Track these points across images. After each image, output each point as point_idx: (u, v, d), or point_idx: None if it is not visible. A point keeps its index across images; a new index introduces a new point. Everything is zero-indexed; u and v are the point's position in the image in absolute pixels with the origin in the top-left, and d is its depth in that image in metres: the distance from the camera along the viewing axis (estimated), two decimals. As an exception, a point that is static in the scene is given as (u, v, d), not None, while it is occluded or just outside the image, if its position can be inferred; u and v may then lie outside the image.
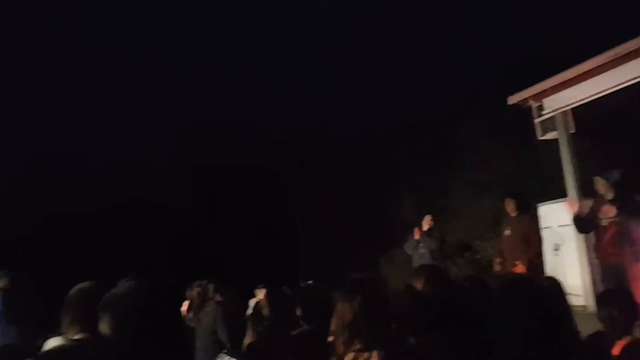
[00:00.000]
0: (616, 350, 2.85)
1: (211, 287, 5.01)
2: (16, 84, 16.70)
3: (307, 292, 4.14)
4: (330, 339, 2.88)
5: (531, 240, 6.42)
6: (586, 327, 2.99)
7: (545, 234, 6.75)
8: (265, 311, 3.81)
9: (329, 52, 17.77)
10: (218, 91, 17.35)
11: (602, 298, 3.16)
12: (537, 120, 6.55)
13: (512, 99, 6.76)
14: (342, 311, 2.82)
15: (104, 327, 1.51)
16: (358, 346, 2.58)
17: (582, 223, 5.35)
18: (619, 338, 2.87)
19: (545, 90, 6.33)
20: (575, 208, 5.44)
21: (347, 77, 17.15)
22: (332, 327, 2.90)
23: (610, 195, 5.41)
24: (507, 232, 6.61)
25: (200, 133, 16.77)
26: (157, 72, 18.01)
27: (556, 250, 6.51)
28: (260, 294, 5.27)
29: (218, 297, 4.88)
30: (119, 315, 1.50)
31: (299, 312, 3.38)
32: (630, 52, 5.37)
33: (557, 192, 7.07)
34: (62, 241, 13.41)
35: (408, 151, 12.58)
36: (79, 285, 2.26)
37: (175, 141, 17.45)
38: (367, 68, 17.03)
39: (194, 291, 5.09)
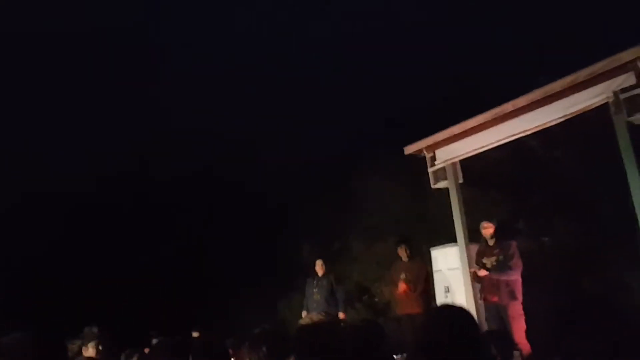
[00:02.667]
0: None
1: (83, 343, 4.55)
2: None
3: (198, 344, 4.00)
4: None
5: (424, 281, 6.78)
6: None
7: (436, 277, 7.13)
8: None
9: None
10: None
11: (485, 338, 3.40)
12: (430, 170, 6.99)
13: (409, 149, 7.17)
14: None
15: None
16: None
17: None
18: None
19: (437, 142, 6.80)
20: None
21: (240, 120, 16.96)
22: None
23: (492, 242, 5.90)
24: (403, 275, 6.91)
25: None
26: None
27: (446, 292, 6.86)
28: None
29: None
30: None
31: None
32: (508, 112, 5.98)
33: (448, 237, 7.52)
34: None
35: (305, 195, 12.75)
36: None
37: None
38: (259, 112, 17.05)
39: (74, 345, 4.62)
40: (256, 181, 14.42)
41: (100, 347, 4.50)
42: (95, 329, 4.59)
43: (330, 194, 12.34)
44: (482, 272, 5.46)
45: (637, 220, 4.92)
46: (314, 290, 7.32)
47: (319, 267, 7.51)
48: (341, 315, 7.14)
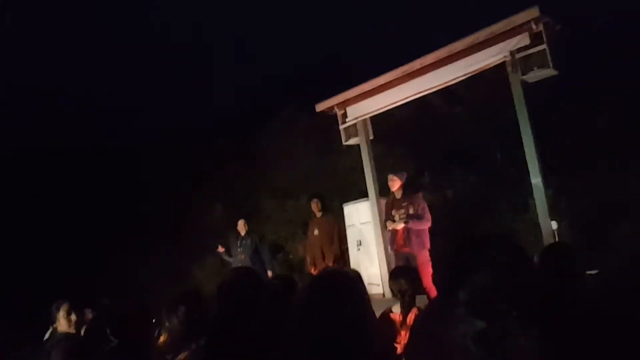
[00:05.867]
0: (410, 319, 3.30)
1: None
2: None
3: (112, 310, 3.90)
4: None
5: (335, 237, 6.97)
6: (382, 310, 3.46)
7: (349, 232, 7.38)
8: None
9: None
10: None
11: (393, 273, 3.67)
12: (341, 127, 7.11)
13: (320, 106, 7.22)
14: (171, 324, 2.83)
15: None
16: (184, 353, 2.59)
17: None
18: (409, 308, 3.35)
19: (348, 100, 6.91)
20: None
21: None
22: (161, 339, 2.87)
23: (399, 194, 6.17)
24: (315, 231, 7.06)
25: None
26: None
27: (358, 246, 7.13)
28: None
29: None
30: None
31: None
32: (415, 70, 6.21)
33: (358, 193, 7.78)
34: None
35: (215, 158, 12.49)
36: None
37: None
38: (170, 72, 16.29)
39: None
40: (162, 141, 13.84)
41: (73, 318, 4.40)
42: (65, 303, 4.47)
43: (241, 154, 12.19)
44: (400, 226, 5.71)
45: (527, 170, 5.40)
46: (239, 250, 7.28)
47: (242, 227, 7.45)
48: (269, 273, 7.17)
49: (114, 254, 11.68)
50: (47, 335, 4.66)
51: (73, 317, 4.48)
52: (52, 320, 4.59)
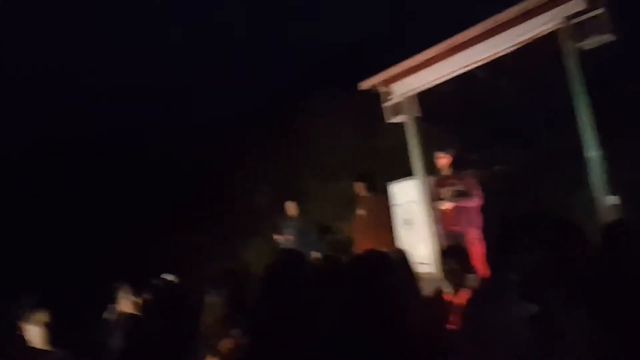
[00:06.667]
0: (460, 299, 3.23)
1: None
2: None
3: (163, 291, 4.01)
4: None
5: (383, 217, 6.91)
6: (429, 288, 3.43)
7: (395, 211, 7.30)
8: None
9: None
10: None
11: (444, 253, 3.63)
12: (385, 105, 6.98)
13: (363, 84, 7.10)
14: (213, 306, 2.85)
15: None
16: (231, 336, 2.60)
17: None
18: (458, 287, 3.29)
19: (392, 76, 6.76)
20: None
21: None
22: (205, 321, 2.90)
23: (447, 172, 6.03)
24: (361, 211, 7.02)
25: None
26: None
27: (406, 225, 7.04)
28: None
29: None
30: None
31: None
32: (461, 43, 5.99)
33: (402, 172, 7.66)
34: None
35: (256, 140, 12.55)
36: None
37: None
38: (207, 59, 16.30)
39: None
40: (205, 127, 14.03)
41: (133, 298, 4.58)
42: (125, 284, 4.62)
43: (282, 134, 12.21)
44: (448, 205, 5.60)
45: (581, 144, 5.13)
46: (287, 231, 7.36)
47: (291, 209, 7.52)
48: (316, 254, 7.21)
49: (164, 236, 12.03)
50: (106, 315, 4.86)
51: (132, 297, 4.66)
52: (112, 300, 4.80)
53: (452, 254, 3.57)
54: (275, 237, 7.59)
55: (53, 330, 3.48)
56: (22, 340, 3.10)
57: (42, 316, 3.43)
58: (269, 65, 14.41)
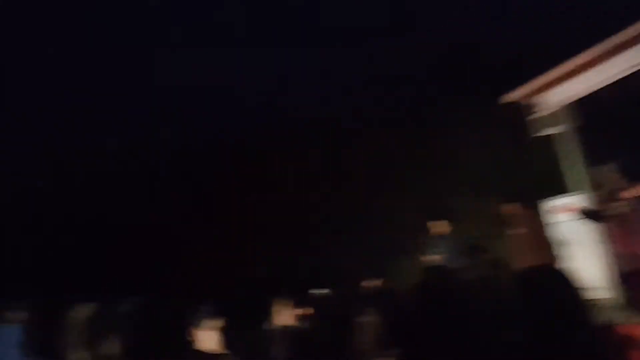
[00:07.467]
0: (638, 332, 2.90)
1: None
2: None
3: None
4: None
5: (542, 236, 6.46)
6: (601, 317, 3.08)
7: (555, 229, 6.77)
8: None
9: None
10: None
11: (620, 279, 3.25)
12: (535, 116, 6.60)
13: (509, 97, 6.81)
14: (372, 322, 2.90)
15: (109, 347, 1.54)
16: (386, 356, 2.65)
17: (595, 216, 5.42)
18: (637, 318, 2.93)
19: (544, 85, 6.39)
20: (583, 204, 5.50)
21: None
22: (361, 339, 2.97)
23: (614, 187, 5.47)
24: (517, 230, 6.65)
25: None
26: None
27: (571, 244, 6.52)
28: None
29: None
30: (125, 335, 1.55)
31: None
32: (617, 46, 5.47)
33: (556, 187, 7.11)
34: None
35: (406, 154, 12.50)
36: (80, 308, 2.26)
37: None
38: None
39: None
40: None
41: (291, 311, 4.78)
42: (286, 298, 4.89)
43: (427, 154, 12.07)
44: (618, 221, 5.05)
45: None
46: (436, 250, 7.30)
47: (441, 227, 7.47)
48: (465, 273, 7.05)
49: (312, 251, 12.46)
50: (266, 326, 5.12)
51: (292, 309, 4.88)
52: (269, 311, 5.00)
53: (628, 279, 3.22)
54: (423, 257, 7.52)
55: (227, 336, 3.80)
56: (192, 344, 3.46)
57: (218, 323, 3.83)
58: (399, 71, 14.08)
